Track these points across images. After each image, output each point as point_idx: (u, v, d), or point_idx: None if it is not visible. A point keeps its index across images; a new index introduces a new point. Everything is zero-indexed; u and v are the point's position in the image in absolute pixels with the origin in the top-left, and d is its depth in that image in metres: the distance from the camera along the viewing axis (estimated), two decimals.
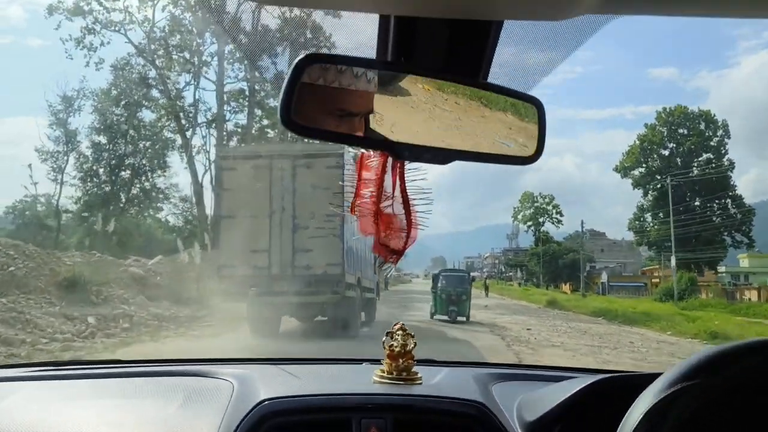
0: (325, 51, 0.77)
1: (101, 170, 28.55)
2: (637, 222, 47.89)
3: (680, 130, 47.25)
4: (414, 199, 0.85)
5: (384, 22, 0.78)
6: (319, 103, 0.74)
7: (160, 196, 30.22)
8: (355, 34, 0.82)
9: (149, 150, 29.23)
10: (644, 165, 47.11)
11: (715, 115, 46.90)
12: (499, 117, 0.84)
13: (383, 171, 0.84)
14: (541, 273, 56.20)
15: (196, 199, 26.95)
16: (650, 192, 47.45)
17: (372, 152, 0.84)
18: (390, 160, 0.83)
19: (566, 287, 56.71)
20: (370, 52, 0.81)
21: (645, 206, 47.06)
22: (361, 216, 0.85)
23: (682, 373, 0.79)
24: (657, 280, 56.80)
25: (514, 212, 65.73)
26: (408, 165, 0.84)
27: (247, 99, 28.05)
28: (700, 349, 0.83)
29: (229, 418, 1.21)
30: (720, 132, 46.95)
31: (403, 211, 0.85)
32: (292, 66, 0.72)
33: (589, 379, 1.20)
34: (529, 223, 64.11)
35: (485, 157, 0.84)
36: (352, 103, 0.75)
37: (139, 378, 1.56)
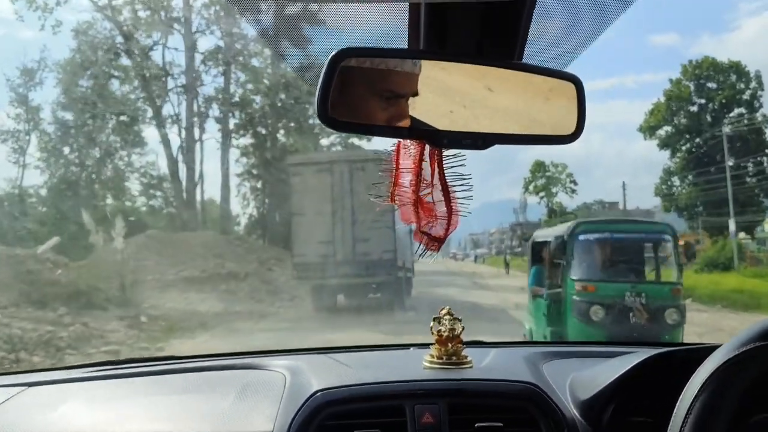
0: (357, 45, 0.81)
1: (68, 149, 27.54)
2: (663, 186, 47.22)
3: (709, 84, 46.36)
4: (453, 186, 0.91)
5: (414, 10, 0.82)
6: (364, 86, 0.80)
7: (135, 174, 29.89)
8: (386, 24, 0.88)
9: (121, 125, 28.60)
10: (671, 124, 46.34)
11: (746, 66, 45.68)
12: (537, 97, 0.88)
13: (421, 159, 0.89)
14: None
15: (171, 175, 26.83)
16: (678, 152, 46.68)
17: (409, 141, 0.88)
18: (428, 147, 0.88)
19: None
20: (402, 42, 0.87)
21: (672, 169, 46.40)
22: (401, 204, 0.90)
23: (755, 333, 0.82)
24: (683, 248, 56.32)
25: (525, 183, 64.98)
26: (446, 152, 0.89)
27: (223, 59, 27.29)
28: None
29: (285, 409, 1.31)
30: (753, 84, 46.07)
31: (443, 198, 0.90)
32: (327, 61, 0.77)
33: (644, 355, 1.26)
34: (542, 194, 63.72)
35: (525, 139, 0.89)
36: (399, 84, 0.81)
37: (193, 373, 1.68)
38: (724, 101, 45.20)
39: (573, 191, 65.44)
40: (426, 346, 1.53)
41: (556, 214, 61.51)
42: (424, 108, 0.82)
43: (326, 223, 13.83)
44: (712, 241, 49.70)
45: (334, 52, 0.77)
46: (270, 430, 1.27)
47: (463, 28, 0.84)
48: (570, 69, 0.90)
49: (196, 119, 28.64)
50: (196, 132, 28.33)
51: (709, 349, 0.92)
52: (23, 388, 1.61)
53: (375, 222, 13.48)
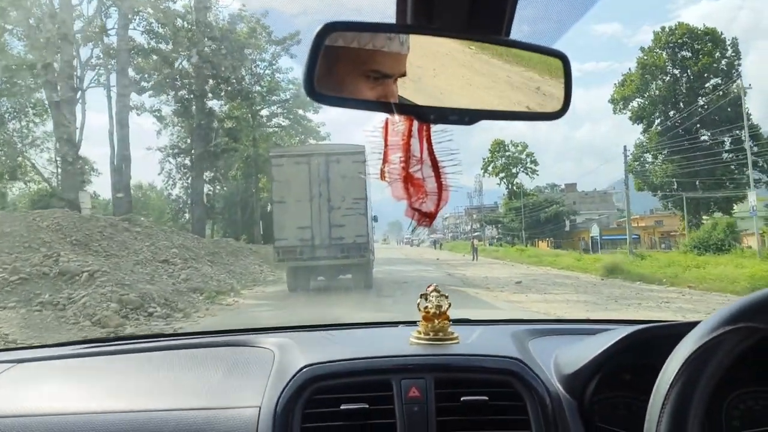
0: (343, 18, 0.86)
1: None
2: (636, 163, 48.37)
3: (682, 53, 47.32)
4: (442, 161, 0.97)
5: None
6: (351, 66, 0.86)
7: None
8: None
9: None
10: (645, 95, 47.32)
11: (722, 33, 47.04)
12: (524, 74, 0.96)
13: (410, 135, 0.95)
14: (522, 229, 58.05)
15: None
16: (652, 126, 47.64)
17: (397, 117, 0.95)
18: (416, 123, 0.94)
19: (543, 244, 59.09)
20: (390, 16, 0.92)
21: (645, 144, 47.48)
22: (391, 181, 0.96)
23: (722, 318, 0.91)
24: (649, 230, 56.68)
25: (483, 164, 66.91)
26: (434, 127, 0.95)
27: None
28: None
29: (273, 384, 1.43)
30: (730, 52, 47.40)
31: (433, 174, 0.96)
32: (313, 36, 0.83)
33: (626, 330, 1.38)
34: (502, 175, 66.17)
35: (511, 115, 0.96)
36: (387, 64, 0.86)
37: (182, 350, 1.82)
38: (699, 70, 46.08)
39: (534, 171, 67.02)
40: (414, 323, 1.66)
41: (516, 196, 62.85)
42: (411, 86, 0.88)
43: (305, 210, 16.50)
44: (680, 219, 50.35)
45: (319, 27, 0.83)
46: (258, 404, 1.39)
47: (450, 3, 0.90)
48: (557, 45, 0.97)
49: (79, 70, 27.73)
50: (77, 83, 27.69)
51: (689, 325, 1.02)
52: (12, 364, 1.72)
53: (349, 209, 16.62)
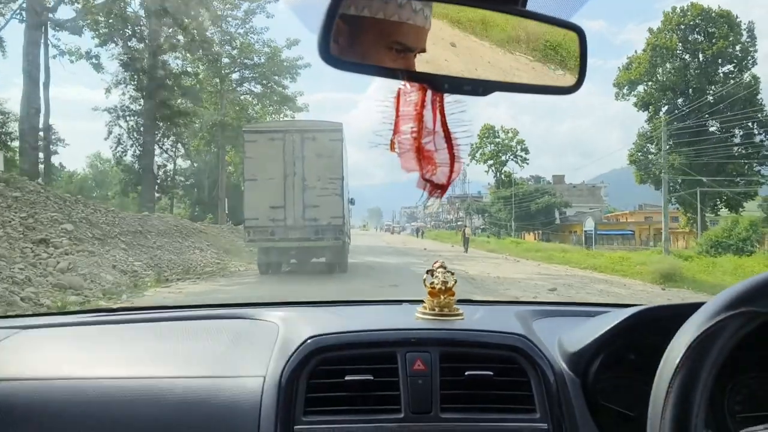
0: None
1: None
2: (639, 153, 44.08)
3: (692, 36, 42.56)
4: (455, 133, 0.97)
5: None
6: (376, 36, 0.88)
7: None
8: None
9: None
10: (653, 79, 42.57)
11: (737, 17, 42.59)
12: (539, 46, 0.97)
13: (423, 105, 0.95)
14: (512, 220, 56.38)
15: None
16: (658, 113, 43.13)
17: (410, 86, 0.96)
18: (429, 93, 0.95)
19: (530, 236, 56.90)
20: None
21: (650, 134, 43.00)
22: (402, 152, 0.97)
23: (724, 303, 0.93)
24: (646, 227, 54.45)
25: (471, 150, 63.18)
26: (447, 98, 0.96)
27: None
28: None
29: (278, 355, 1.45)
30: (745, 37, 42.71)
31: (445, 145, 0.97)
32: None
33: (630, 311, 1.41)
34: (490, 162, 64.08)
35: (525, 88, 0.97)
36: (410, 37, 0.88)
37: (187, 321, 1.87)
38: (714, 54, 41.43)
39: (524, 160, 63.19)
40: (418, 302, 1.69)
41: (505, 185, 58.98)
42: (428, 56, 0.90)
43: (278, 188, 15.93)
44: (687, 218, 46.68)
45: None
46: (263, 374, 1.41)
47: None
48: (573, 19, 0.97)
49: None
50: None
51: (692, 307, 1.02)
52: (16, 330, 1.73)
53: (324, 189, 16.00)
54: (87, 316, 1.97)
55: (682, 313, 1.02)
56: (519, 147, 63.54)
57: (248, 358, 1.51)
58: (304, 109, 38.22)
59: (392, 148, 0.97)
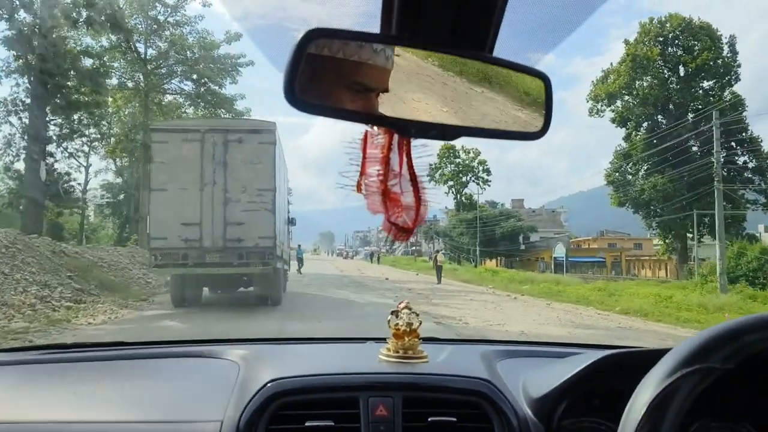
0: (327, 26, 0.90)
1: None
2: (616, 173, 40.24)
3: (670, 50, 38.92)
4: (421, 176, 0.99)
5: None
6: (336, 76, 0.89)
7: None
8: (359, 7, 0.95)
9: None
10: (632, 93, 38.71)
11: (718, 30, 39.50)
12: (506, 92, 0.99)
13: (389, 149, 0.97)
14: (477, 245, 52.70)
15: None
16: (635, 131, 42.11)
17: (377, 129, 0.97)
18: (396, 137, 0.97)
19: (492, 263, 53.86)
20: (375, 25, 0.93)
21: (629, 151, 39.14)
22: (369, 194, 0.97)
23: (680, 360, 0.96)
24: (616, 252, 52.40)
25: (430, 170, 57.06)
26: (414, 142, 0.98)
27: None
28: None
29: (237, 398, 1.42)
30: (726, 51, 39.23)
31: (411, 189, 0.98)
32: (297, 42, 0.84)
33: (595, 356, 1.42)
34: (450, 183, 60.73)
35: (492, 133, 0.98)
36: (371, 78, 0.89)
37: (145, 360, 1.80)
38: (697, 67, 38.33)
39: (486, 181, 59.08)
40: (383, 340, 1.69)
41: (466, 207, 54.77)
42: (393, 100, 0.92)
43: (193, 201, 13.35)
44: (666, 244, 42.60)
45: (302, 33, 0.85)
46: (220, 419, 1.38)
47: (436, 16, 0.91)
48: (539, 66, 1.00)
49: None
50: None
51: (657, 353, 1.05)
52: None
53: (252, 203, 13.43)
54: (40, 353, 1.90)
55: (645, 358, 1.08)
56: (481, 168, 59.84)
57: (206, 400, 1.50)
58: (246, 114, 33.23)
59: (359, 190, 0.98)
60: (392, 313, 1.63)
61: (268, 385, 1.43)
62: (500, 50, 0.93)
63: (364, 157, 0.96)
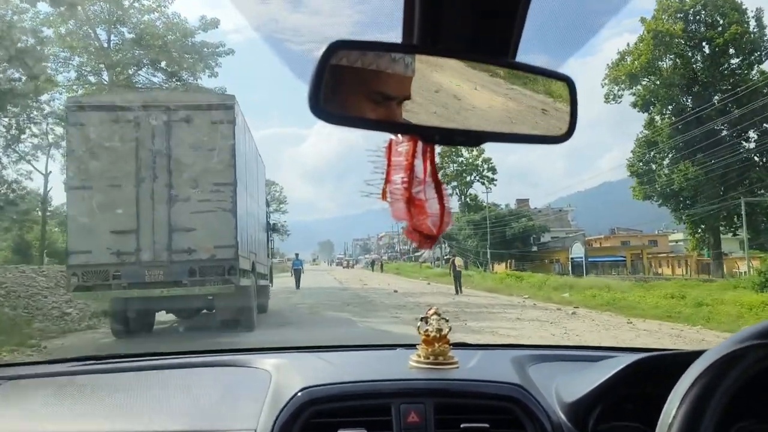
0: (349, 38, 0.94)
1: None
2: (640, 163, 36.41)
3: (692, 27, 35.20)
4: (445, 183, 1.05)
5: (409, 4, 0.90)
6: (356, 86, 0.91)
7: None
8: (380, 17, 0.98)
9: None
10: (655, 73, 34.96)
11: (742, 2, 35.65)
12: (530, 96, 1.01)
13: (414, 155, 0.98)
14: (487, 247, 49.76)
15: None
16: (661, 114, 38.14)
17: (401, 136, 1.01)
18: (420, 144, 0.99)
19: (501, 266, 51.08)
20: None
21: (654, 138, 35.34)
22: (393, 202, 0.99)
23: (744, 335, 0.96)
24: (637, 251, 49.46)
25: None
26: (438, 149, 1.02)
27: None
28: None
29: (269, 407, 1.44)
30: (753, 26, 35.89)
31: (435, 196, 1.00)
32: (321, 53, 0.87)
33: (628, 360, 1.42)
34: (454, 184, 57.75)
35: (516, 138, 1.00)
36: (391, 86, 0.92)
37: (178, 370, 1.84)
38: (725, 42, 39.20)
39: (491, 181, 54.98)
40: (413, 347, 1.71)
41: (471, 209, 50.88)
42: (415, 108, 0.95)
43: (126, 202, 10.22)
44: (696, 240, 38.59)
45: (326, 45, 0.88)
46: (253, 428, 1.41)
47: (457, 25, 0.93)
48: (562, 69, 1.02)
49: None
50: None
51: (694, 354, 1.06)
52: (2, 381, 1.69)
53: (204, 202, 10.26)
54: (74, 365, 1.93)
55: (678, 361, 1.08)
56: (486, 166, 56.19)
57: (239, 409, 1.53)
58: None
59: (384, 198, 1.00)
60: (421, 319, 1.66)
61: (300, 393, 1.46)
62: (522, 55, 0.93)
63: (388, 164, 0.98)
